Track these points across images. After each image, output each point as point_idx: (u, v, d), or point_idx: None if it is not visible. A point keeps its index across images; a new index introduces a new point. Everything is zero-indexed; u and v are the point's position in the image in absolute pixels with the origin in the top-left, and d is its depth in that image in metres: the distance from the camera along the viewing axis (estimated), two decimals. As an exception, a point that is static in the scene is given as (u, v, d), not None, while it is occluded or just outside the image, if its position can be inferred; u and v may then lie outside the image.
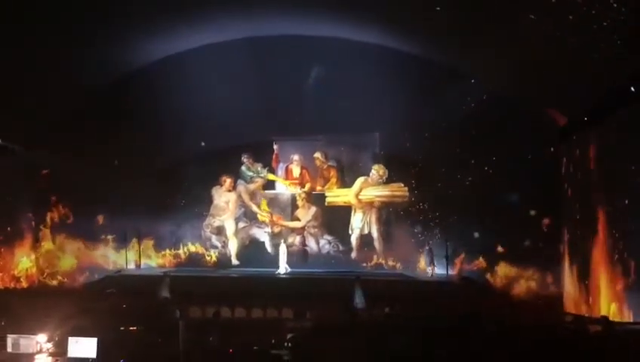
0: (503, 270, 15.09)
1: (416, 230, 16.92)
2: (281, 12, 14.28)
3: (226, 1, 13.74)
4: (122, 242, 16.87)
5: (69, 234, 16.20)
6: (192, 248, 17.70)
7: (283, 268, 16.14)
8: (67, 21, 12.47)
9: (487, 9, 11.57)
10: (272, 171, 18.13)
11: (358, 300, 12.78)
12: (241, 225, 18.02)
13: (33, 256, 16.02)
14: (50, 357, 8.45)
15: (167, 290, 13.62)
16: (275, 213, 17.88)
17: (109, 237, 16.73)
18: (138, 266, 17.02)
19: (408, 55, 15.08)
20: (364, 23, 14.24)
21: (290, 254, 16.83)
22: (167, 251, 17.61)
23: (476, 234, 15.70)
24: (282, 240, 16.93)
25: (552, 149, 14.64)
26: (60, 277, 15.81)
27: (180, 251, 17.67)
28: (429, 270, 16.00)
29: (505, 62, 12.77)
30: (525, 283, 14.77)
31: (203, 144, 17.20)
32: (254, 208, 17.89)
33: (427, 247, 16.11)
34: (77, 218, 16.11)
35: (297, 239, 17.82)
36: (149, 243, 17.41)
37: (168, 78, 15.16)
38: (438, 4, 11.99)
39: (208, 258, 17.66)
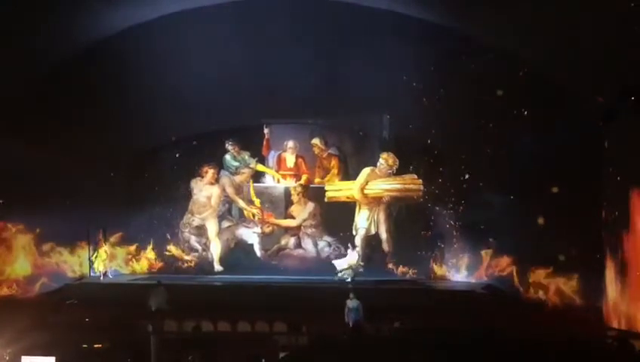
0: (534, 276, 15.16)
1: (432, 230, 17.00)
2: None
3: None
4: (85, 243, 16.88)
5: (22, 234, 16.19)
6: (168, 251, 17.74)
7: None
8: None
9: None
10: (262, 161, 18.15)
11: (352, 314, 12.63)
12: (226, 224, 18.07)
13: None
14: (0, 380, 8.51)
15: (165, 301, 13.70)
16: (266, 209, 17.93)
17: (70, 237, 16.72)
18: (103, 273, 17.00)
19: (424, 23, 15.07)
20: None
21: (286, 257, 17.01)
22: (138, 253, 17.65)
23: (503, 235, 15.75)
24: (355, 249, 16.62)
25: (592, 133, 14.67)
26: (8, 287, 15.77)
27: (153, 255, 17.71)
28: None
29: (541, 34, 12.87)
30: (560, 291, 14.86)
31: (173, 139, 17.17)
32: (241, 204, 17.92)
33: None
34: (30, 215, 16.07)
35: (292, 241, 17.88)
36: (115, 245, 17.42)
37: (138, 51, 15.14)
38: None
39: (187, 263, 17.71)
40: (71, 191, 16.00)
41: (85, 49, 15.62)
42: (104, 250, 16.64)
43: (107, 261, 16.66)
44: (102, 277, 16.37)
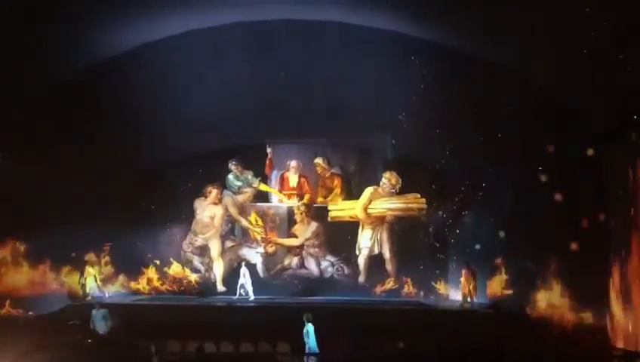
0: (539, 295, 15.11)
1: (435, 249, 17.02)
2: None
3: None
4: (86, 264, 16.90)
5: (22, 254, 16.18)
6: (170, 271, 17.74)
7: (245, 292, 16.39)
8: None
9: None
10: (265, 180, 18.24)
11: (310, 342, 12.12)
12: (229, 244, 18.09)
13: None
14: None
15: (106, 323, 13.45)
16: (269, 229, 17.96)
17: (71, 258, 16.74)
18: (106, 293, 17.00)
19: (427, 43, 15.24)
20: (374, 5, 14.41)
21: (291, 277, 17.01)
22: (140, 274, 17.65)
23: (507, 254, 15.75)
24: (243, 263, 17.03)
25: (595, 152, 14.73)
26: (9, 307, 15.74)
27: (155, 275, 17.70)
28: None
29: (542, 53, 13.01)
30: (565, 311, 14.81)
31: (177, 158, 17.21)
32: (244, 223, 17.97)
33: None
34: (31, 233, 16.07)
35: (295, 261, 17.89)
36: (119, 265, 17.45)
37: (143, 70, 15.32)
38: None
39: (189, 283, 17.69)
40: (73, 211, 16.00)
41: (89, 67, 15.77)
42: (93, 271, 16.48)
43: (99, 282, 16.55)
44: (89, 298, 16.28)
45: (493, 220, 16.06)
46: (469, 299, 15.72)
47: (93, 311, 13.70)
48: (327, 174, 18.13)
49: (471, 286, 15.72)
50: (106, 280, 17.19)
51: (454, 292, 16.70)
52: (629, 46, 12.02)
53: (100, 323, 13.48)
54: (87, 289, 16.22)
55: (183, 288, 17.52)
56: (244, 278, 16.53)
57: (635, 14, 11.38)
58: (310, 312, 12.43)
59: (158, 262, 17.67)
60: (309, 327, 12.17)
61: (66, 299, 16.19)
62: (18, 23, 13.27)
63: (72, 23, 13.76)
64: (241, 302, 16.20)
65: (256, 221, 17.79)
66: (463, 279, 15.89)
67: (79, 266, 16.60)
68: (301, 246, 17.83)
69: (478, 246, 16.20)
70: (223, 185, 17.96)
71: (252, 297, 16.39)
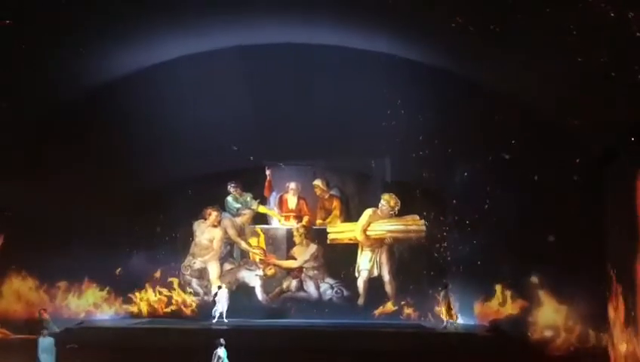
0: (539, 318, 15.09)
1: (434, 271, 17.02)
2: (276, 16, 14.60)
3: (211, 3, 13.83)
4: (85, 285, 16.89)
5: (18, 276, 16.15)
6: (169, 294, 17.70)
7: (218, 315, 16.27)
8: (25, 27, 12.81)
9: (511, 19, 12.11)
10: (264, 202, 18.28)
11: None
12: (228, 266, 18.08)
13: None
14: None
15: (51, 355, 12.75)
16: (268, 251, 17.98)
17: (69, 279, 16.72)
18: (104, 316, 16.97)
19: (427, 67, 15.39)
20: (373, 29, 14.59)
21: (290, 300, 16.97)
22: (139, 296, 17.62)
23: (507, 276, 15.75)
24: (223, 285, 16.90)
25: (594, 174, 14.80)
26: (7, 330, 15.65)
27: (154, 298, 17.67)
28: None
29: (537, 76, 13.13)
30: (566, 335, 14.78)
31: (176, 181, 17.18)
32: (243, 245, 17.98)
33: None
34: (29, 256, 16.05)
35: (293, 283, 17.87)
36: (117, 287, 17.41)
37: (141, 94, 15.42)
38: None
39: (188, 306, 17.66)
40: (72, 234, 16.05)
41: (88, 92, 15.83)
42: (104, 292, 16.42)
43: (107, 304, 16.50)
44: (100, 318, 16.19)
45: (492, 241, 16.05)
46: (445, 321, 15.68)
47: (40, 339, 12.91)
48: (326, 196, 18.19)
49: (445, 308, 15.73)
50: (102, 303, 17.14)
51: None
52: (627, 66, 12.10)
53: (44, 355, 12.49)
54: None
55: (180, 311, 17.48)
56: (221, 301, 16.40)
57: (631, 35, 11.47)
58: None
59: (156, 285, 17.65)
60: (219, 351, 12.14)
61: (65, 322, 16.10)
62: (17, 50, 13.38)
63: (73, 49, 13.90)
64: (243, 326, 16.13)
65: (258, 241, 17.81)
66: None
67: (80, 288, 16.53)
68: (300, 269, 17.83)
69: (476, 268, 16.20)
70: (222, 208, 18.01)
71: (225, 320, 16.25)
